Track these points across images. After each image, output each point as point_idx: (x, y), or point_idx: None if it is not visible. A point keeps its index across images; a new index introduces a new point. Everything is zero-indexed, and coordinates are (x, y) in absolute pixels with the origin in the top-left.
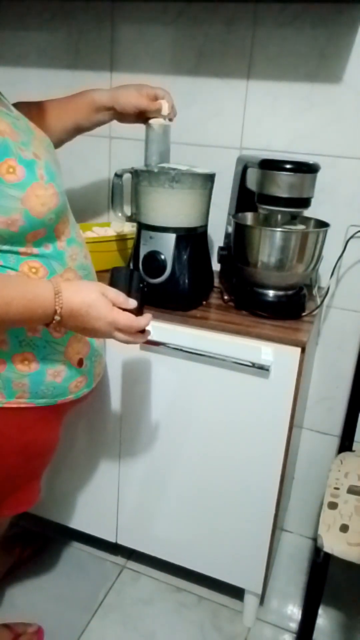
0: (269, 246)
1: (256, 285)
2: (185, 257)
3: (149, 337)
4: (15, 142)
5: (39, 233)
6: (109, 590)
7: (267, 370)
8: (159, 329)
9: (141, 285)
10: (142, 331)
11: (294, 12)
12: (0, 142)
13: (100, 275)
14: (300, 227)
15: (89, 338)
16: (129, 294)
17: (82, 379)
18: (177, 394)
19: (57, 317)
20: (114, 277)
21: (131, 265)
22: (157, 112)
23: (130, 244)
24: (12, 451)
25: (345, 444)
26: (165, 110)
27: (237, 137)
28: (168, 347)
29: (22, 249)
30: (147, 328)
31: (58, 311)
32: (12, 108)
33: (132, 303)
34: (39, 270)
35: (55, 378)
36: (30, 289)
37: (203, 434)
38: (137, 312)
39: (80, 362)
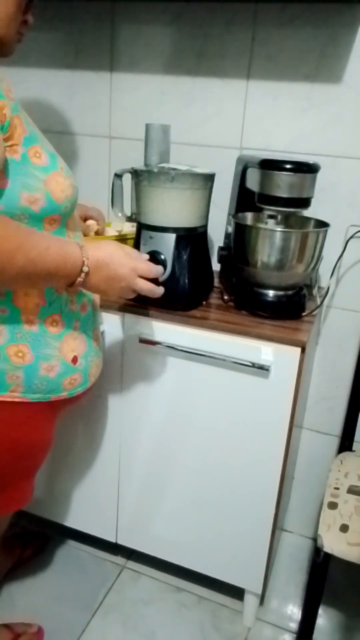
0: (269, 246)
1: (256, 285)
2: (185, 257)
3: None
4: (40, 137)
5: (55, 220)
6: (109, 590)
7: (267, 370)
8: (159, 328)
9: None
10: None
11: (294, 12)
12: (31, 131)
13: None
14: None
15: (86, 338)
16: None
17: (76, 377)
18: (177, 394)
19: (85, 268)
20: None
21: None
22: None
23: (130, 244)
24: (2, 447)
25: (345, 444)
26: (92, 231)
27: (237, 137)
28: (168, 347)
29: None
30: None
31: (85, 262)
32: None
33: (145, 255)
34: None
35: (48, 372)
36: (58, 243)
37: (203, 434)
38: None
39: (74, 360)
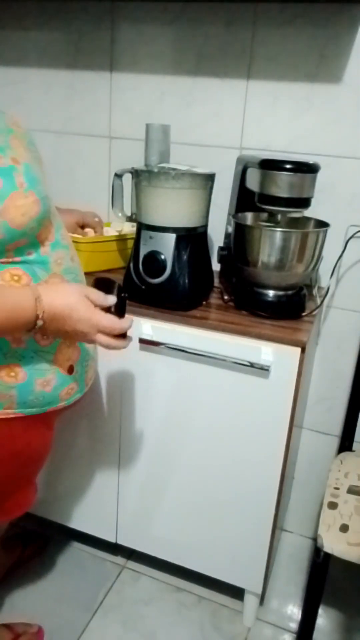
0: (269, 246)
1: (256, 285)
2: (185, 257)
3: (130, 343)
4: None
5: (20, 242)
6: (109, 590)
7: (267, 370)
8: (159, 329)
9: (122, 294)
10: (124, 337)
11: (294, 12)
12: None
13: (100, 275)
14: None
15: (79, 343)
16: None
17: (73, 386)
18: (177, 394)
19: (39, 322)
20: (95, 287)
21: (131, 265)
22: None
23: (130, 244)
24: (4, 459)
25: (345, 444)
26: (89, 236)
27: (237, 137)
28: (168, 347)
29: (2, 259)
30: (129, 334)
31: (40, 316)
32: None
33: (111, 300)
34: (22, 277)
35: (44, 387)
36: (9, 299)
37: (203, 434)
38: (119, 317)
39: (70, 369)
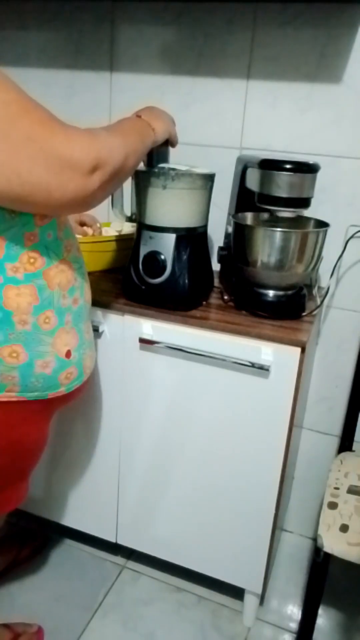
0: (269, 246)
1: (256, 285)
2: (185, 257)
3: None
4: None
5: (46, 215)
6: (109, 590)
7: (267, 370)
8: (159, 329)
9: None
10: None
11: (294, 12)
12: None
13: (99, 275)
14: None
15: (77, 331)
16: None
17: (72, 370)
18: (177, 394)
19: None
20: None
21: (131, 265)
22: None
23: (130, 244)
24: (1, 448)
25: (345, 444)
26: (89, 235)
27: (237, 137)
28: (168, 347)
29: (28, 233)
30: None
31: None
32: None
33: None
34: (37, 260)
35: (44, 369)
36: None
37: (203, 434)
38: None
39: (68, 354)
